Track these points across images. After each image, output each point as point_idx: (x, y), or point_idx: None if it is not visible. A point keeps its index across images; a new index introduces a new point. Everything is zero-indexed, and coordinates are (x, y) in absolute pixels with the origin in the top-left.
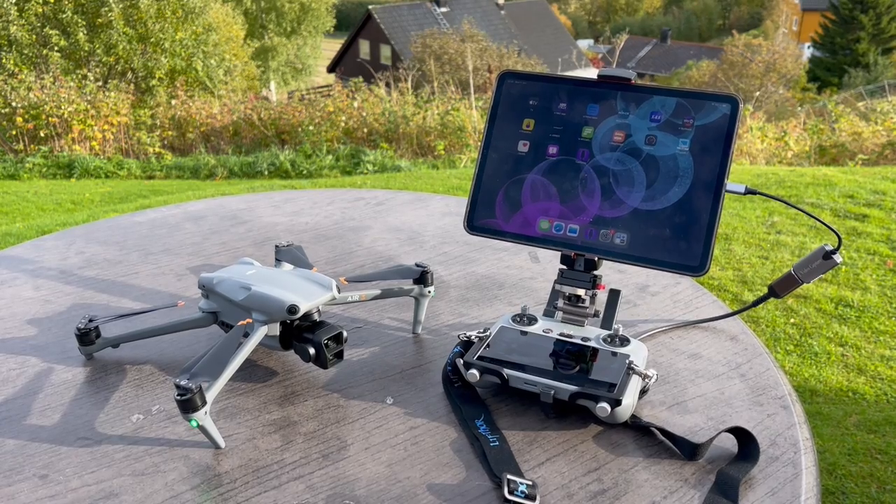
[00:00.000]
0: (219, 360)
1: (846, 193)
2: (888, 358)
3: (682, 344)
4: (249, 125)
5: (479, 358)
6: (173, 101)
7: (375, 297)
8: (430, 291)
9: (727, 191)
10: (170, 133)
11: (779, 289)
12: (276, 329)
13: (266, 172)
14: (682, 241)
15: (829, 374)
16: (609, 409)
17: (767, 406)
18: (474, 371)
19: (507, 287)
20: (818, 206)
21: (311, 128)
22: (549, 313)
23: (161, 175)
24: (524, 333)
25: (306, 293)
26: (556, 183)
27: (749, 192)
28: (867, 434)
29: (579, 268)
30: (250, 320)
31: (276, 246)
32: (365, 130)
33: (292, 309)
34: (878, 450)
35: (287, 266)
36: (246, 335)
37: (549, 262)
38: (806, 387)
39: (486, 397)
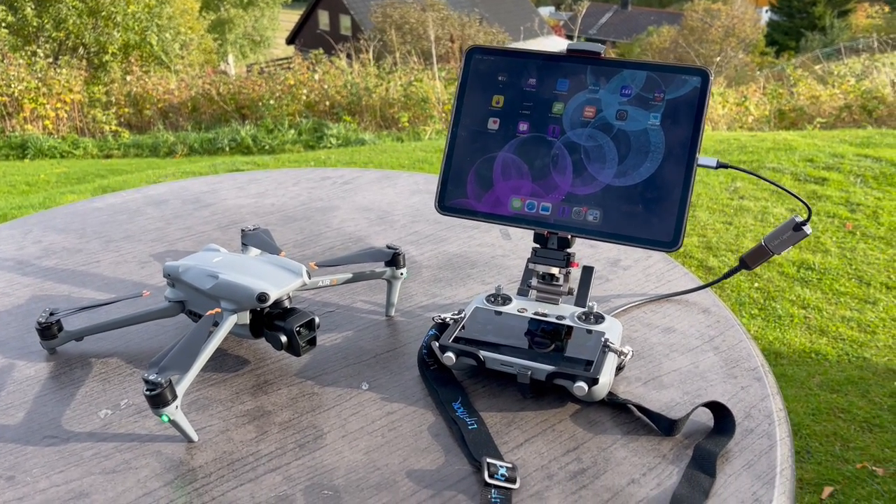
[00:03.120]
0: (188, 353)
1: (806, 157)
2: (848, 319)
3: (656, 318)
4: (208, 100)
5: (455, 340)
6: (128, 77)
7: (347, 282)
8: (402, 273)
9: (699, 165)
10: (126, 110)
11: (749, 260)
12: (245, 317)
13: (227, 149)
14: (655, 217)
15: (792, 336)
16: (586, 388)
17: (741, 378)
18: (450, 354)
19: (479, 266)
20: (779, 170)
21: (271, 102)
22: (522, 292)
23: (119, 154)
24: (499, 314)
25: (276, 280)
26: (527, 160)
27: (721, 165)
28: (830, 394)
29: (552, 246)
30: (219, 310)
31: (243, 230)
32: (327, 103)
33: (262, 297)
34: (841, 409)
35: (254, 251)
36: (216, 324)
37: (521, 238)
38: (771, 349)
39: (463, 379)
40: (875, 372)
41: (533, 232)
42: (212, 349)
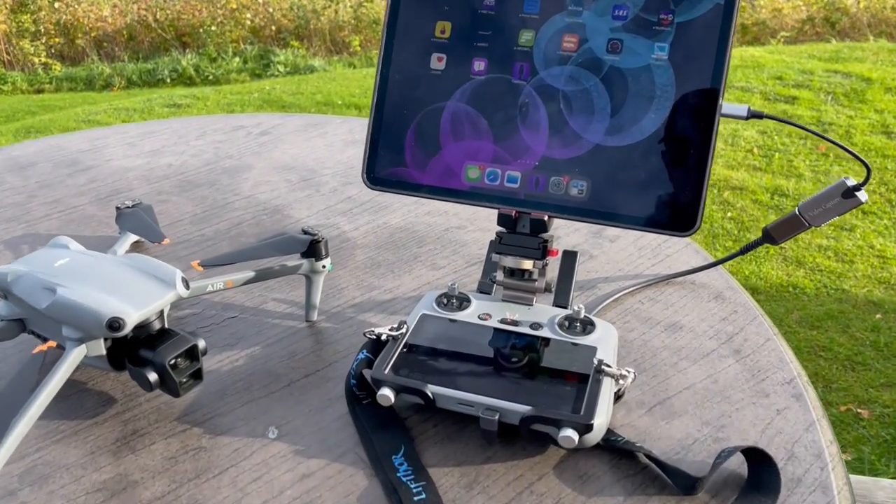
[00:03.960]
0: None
1: (775, 75)
2: (825, 248)
3: (656, 309)
4: (145, 28)
5: (393, 369)
6: (57, 4)
7: (248, 282)
8: (324, 266)
9: (723, 115)
10: (57, 40)
11: (776, 233)
12: (100, 347)
13: (168, 80)
14: (662, 189)
15: (768, 269)
16: (576, 438)
17: (774, 396)
18: (387, 392)
19: (428, 242)
20: (748, 90)
21: (213, 28)
22: (485, 288)
23: (51, 88)
24: (453, 322)
25: (137, 295)
26: (486, 113)
27: (754, 115)
28: (810, 331)
29: (523, 230)
30: (53, 344)
31: (118, 208)
32: (273, 28)
33: (114, 324)
34: (822, 346)
35: (132, 237)
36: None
37: None
38: (747, 285)
39: (408, 416)
40: (855, 304)
41: (497, 211)
42: (42, 405)
